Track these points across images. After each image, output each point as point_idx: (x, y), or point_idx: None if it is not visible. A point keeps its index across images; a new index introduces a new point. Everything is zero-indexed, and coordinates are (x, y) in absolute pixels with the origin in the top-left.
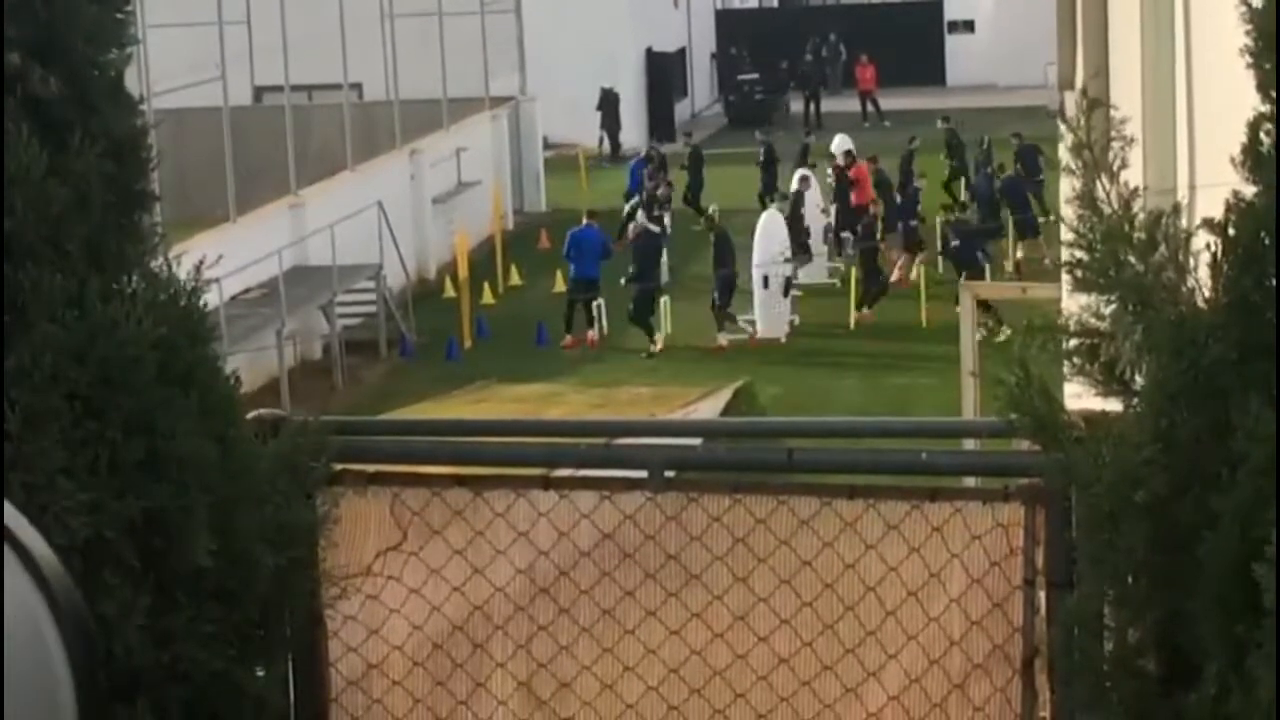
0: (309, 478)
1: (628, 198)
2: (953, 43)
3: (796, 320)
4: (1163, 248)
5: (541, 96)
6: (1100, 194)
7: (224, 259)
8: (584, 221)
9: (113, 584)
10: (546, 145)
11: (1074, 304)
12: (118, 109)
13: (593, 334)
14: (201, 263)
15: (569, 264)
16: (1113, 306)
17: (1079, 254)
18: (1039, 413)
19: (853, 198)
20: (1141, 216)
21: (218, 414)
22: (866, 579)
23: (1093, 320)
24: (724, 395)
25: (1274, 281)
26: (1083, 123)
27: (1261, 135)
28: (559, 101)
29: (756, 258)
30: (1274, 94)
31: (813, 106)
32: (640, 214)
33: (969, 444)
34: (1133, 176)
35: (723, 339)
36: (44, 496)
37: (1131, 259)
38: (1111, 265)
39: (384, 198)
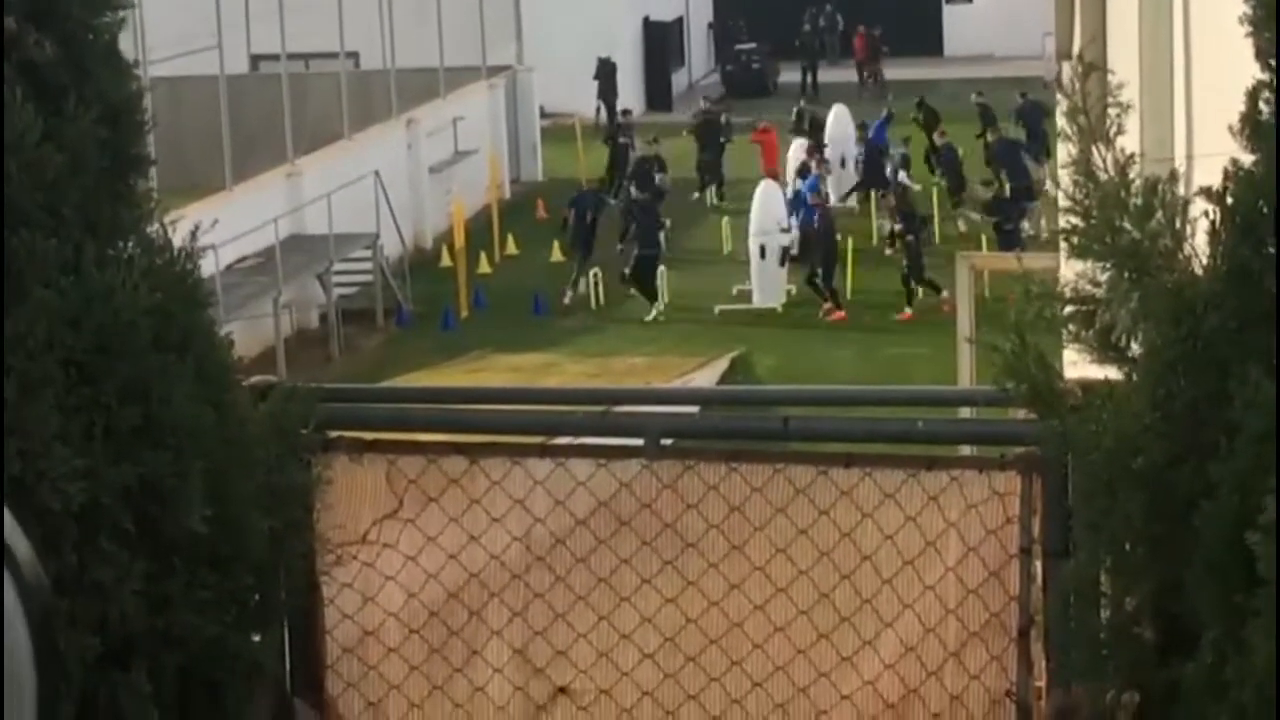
0: (300, 443)
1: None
2: (950, 13)
3: (793, 290)
4: (1159, 215)
5: (538, 66)
6: (1096, 160)
7: (221, 228)
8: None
9: (108, 550)
10: (543, 115)
11: (1070, 271)
12: (112, 73)
13: None
14: (197, 228)
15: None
16: (1109, 273)
17: (1074, 221)
18: (1035, 381)
19: (761, 165)
20: (1138, 183)
21: (213, 380)
22: (863, 547)
23: (1088, 287)
24: (720, 365)
25: (1273, 250)
26: (1078, 88)
27: (1260, 104)
28: (556, 71)
29: (753, 227)
30: (1273, 62)
31: (810, 77)
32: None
33: (966, 412)
34: (1130, 144)
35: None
36: (40, 463)
37: (1128, 226)
38: (1107, 232)
39: (381, 167)
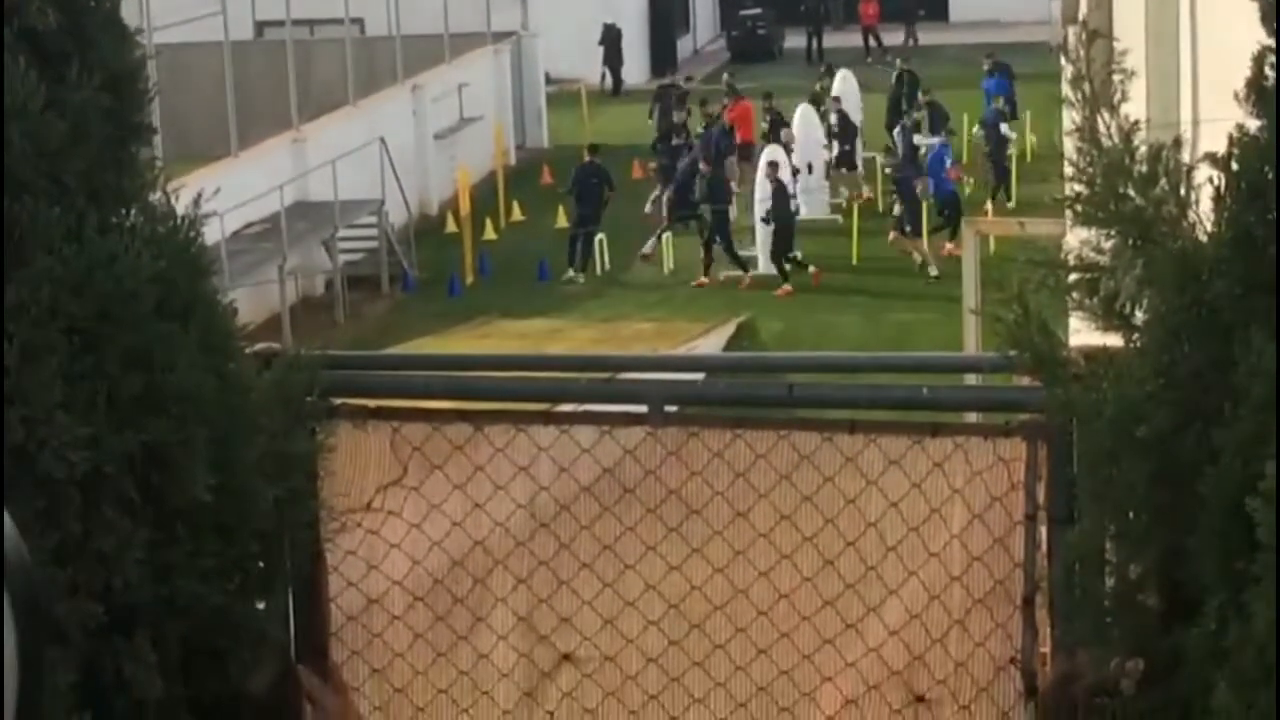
0: (304, 410)
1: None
2: None
3: (799, 255)
4: (1163, 181)
5: (543, 32)
6: (1100, 127)
7: (225, 194)
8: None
9: (111, 518)
10: (548, 81)
11: (1075, 238)
12: (115, 41)
13: None
14: (199, 196)
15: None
16: (1113, 241)
17: (1079, 188)
18: (1038, 348)
19: (737, 136)
20: (1142, 150)
21: (216, 348)
22: (867, 514)
23: (1093, 255)
24: (726, 331)
25: (1276, 215)
26: (1082, 55)
27: (1266, 69)
28: (561, 37)
29: (759, 193)
30: (1276, 25)
31: (815, 42)
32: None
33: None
34: (1136, 110)
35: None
36: (43, 431)
37: (1132, 193)
38: (1112, 199)
39: (386, 133)
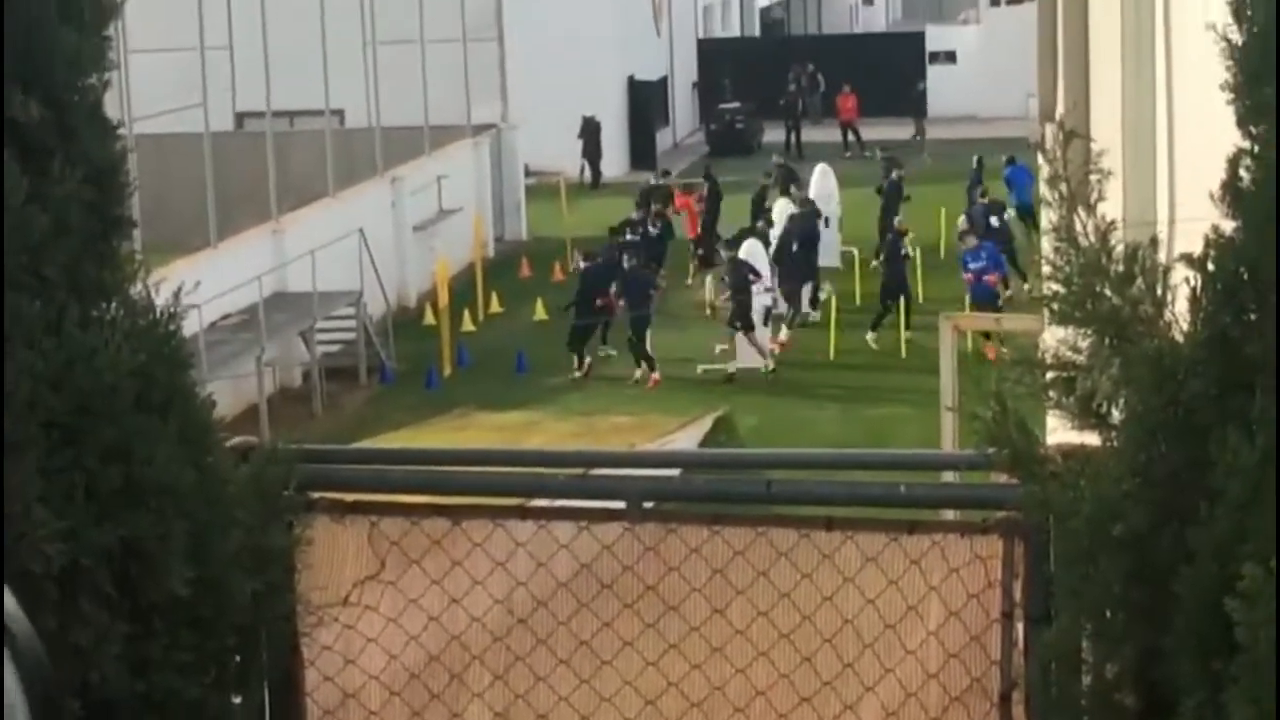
0: (282, 504)
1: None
2: (934, 73)
3: (776, 350)
4: (1140, 281)
5: (523, 124)
6: (1078, 226)
7: (204, 285)
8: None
9: (89, 612)
10: (528, 173)
11: (1052, 337)
12: (98, 134)
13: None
14: (180, 290)
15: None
16: (1089, 340)
17: (1056, 287)
18: (1016, 446)
19: (687, 230)
20: (1119, 249)
21: (195, 441)
22: (844, 611)
23: (1069, 353)
24: (703, 425)
25: (1254, 316)
26: (1059, 154)
27: (1241, 171)
28: (541, 129)
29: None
30: (1253, 129)
31: (793, 136)
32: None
33: (948, 476)
34: (1112, 210)
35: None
36: (21, 524)
37: (1108, 292)
38: (1088, 298)
39: (365, 224)
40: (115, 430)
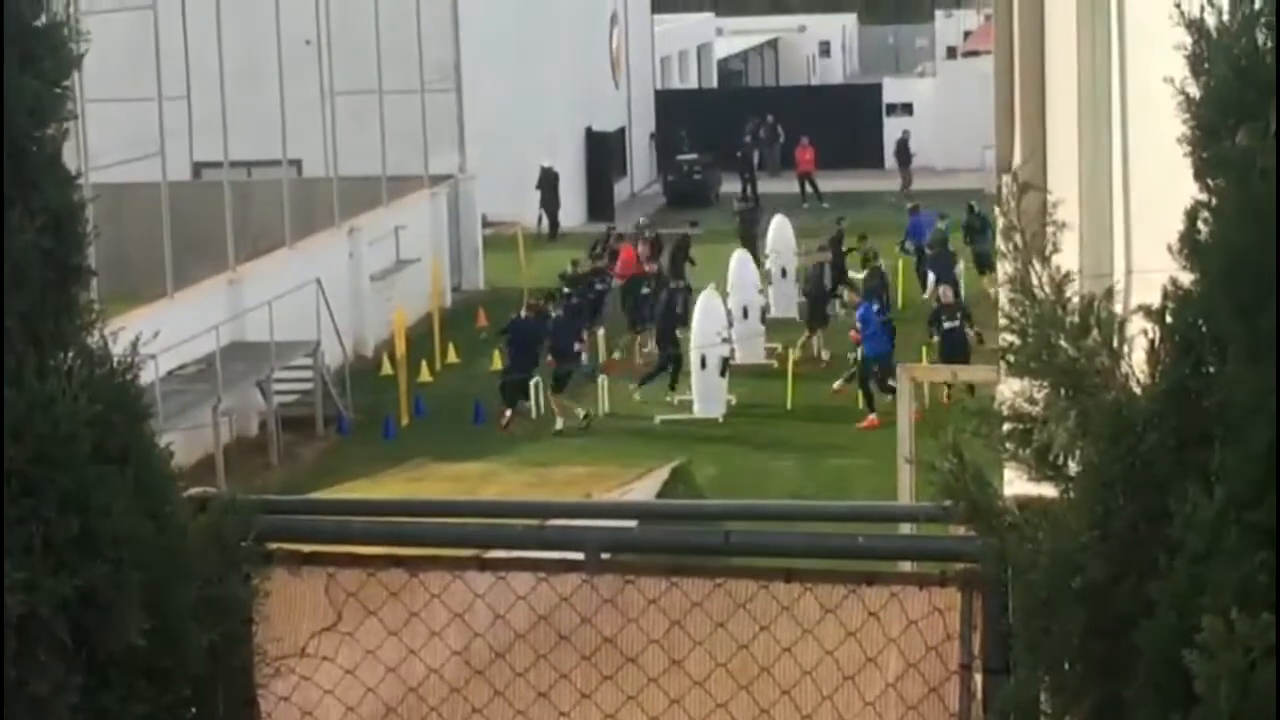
0: (239, 555)
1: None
2: (891, 125)
3: (734, 400)
4: (1095, 333)
5: (481, 175)
6: (1033, 278)
7: (161, 334)
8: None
9: (45, 662)
10: (485, 223)
11: (1008, 389)
12: (56, 184)
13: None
14: (138, 340)
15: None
16: (1045, 391)
17: (1012, 338)
18: (973, 498)
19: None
20: (1074, 301)
21: (153, 491)
22: (803, 663)
23: (1025, 405)
24: (661, 475)
25: (1211, 369)
26: (1014, 205)
27: (1199, 223)
28: (498, 180)
29: (694, 338)
30: (1210, 182)
31: (749, 188)
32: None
33: (907, 528)
34: (1069, 262)
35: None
36: None
37: (1064, 343)
38: (1044, 350)
39: (322, 275)
40: (72, 480)
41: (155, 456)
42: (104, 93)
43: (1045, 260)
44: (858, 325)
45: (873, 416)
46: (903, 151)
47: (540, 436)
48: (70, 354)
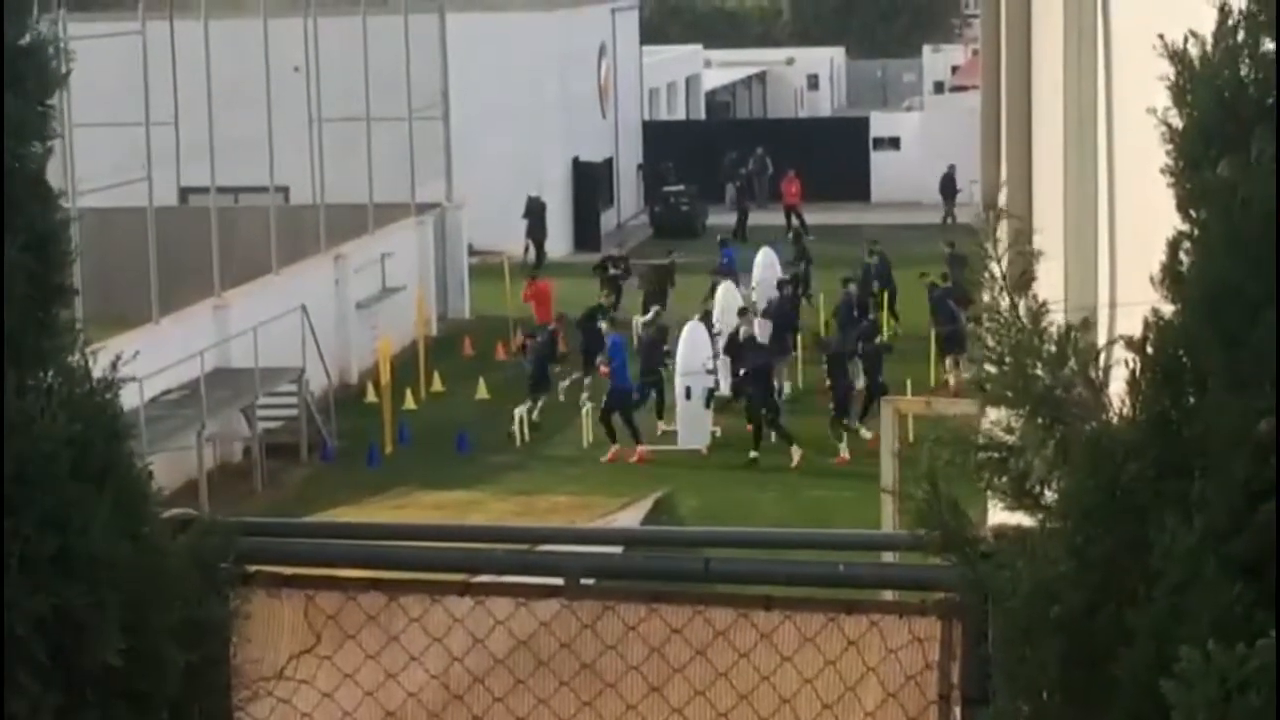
0: (218, 576)
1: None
2: (878, 159)
3: (718, 432)
4: (1072, 362)
5: (467, 203)
6: (1009, 308)
7: (146, 360)
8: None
9: (23, 682)
10: (471, 252)
11: (987, 419)
12: (39, 202)
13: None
14: (118, 359)
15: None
16: (1022, 421)
17: (989, 368)
18: (947, 527)
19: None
20: (1052, 330)
21: (132, 511)
22: (782, 691)
23: (1002, 434)
24: (644, 505)
25: (1192, 400)
26: (990, 235)
27: (1181, 255)
28: (485, 208)
29: (679, 369)
30: (1193, 213)
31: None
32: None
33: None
34: (1054, 292)
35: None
36: None
37: (1040, 373)
38: (1020, 379)
39: (308, 301)
40: (51, 499)
41: (134, 476)
42: (92, 117)
43: (1023, 290)
44: (608, 358)
45: (615, 448)
46: (948, 185)
47: (524, 464)
48: (50, 373)
